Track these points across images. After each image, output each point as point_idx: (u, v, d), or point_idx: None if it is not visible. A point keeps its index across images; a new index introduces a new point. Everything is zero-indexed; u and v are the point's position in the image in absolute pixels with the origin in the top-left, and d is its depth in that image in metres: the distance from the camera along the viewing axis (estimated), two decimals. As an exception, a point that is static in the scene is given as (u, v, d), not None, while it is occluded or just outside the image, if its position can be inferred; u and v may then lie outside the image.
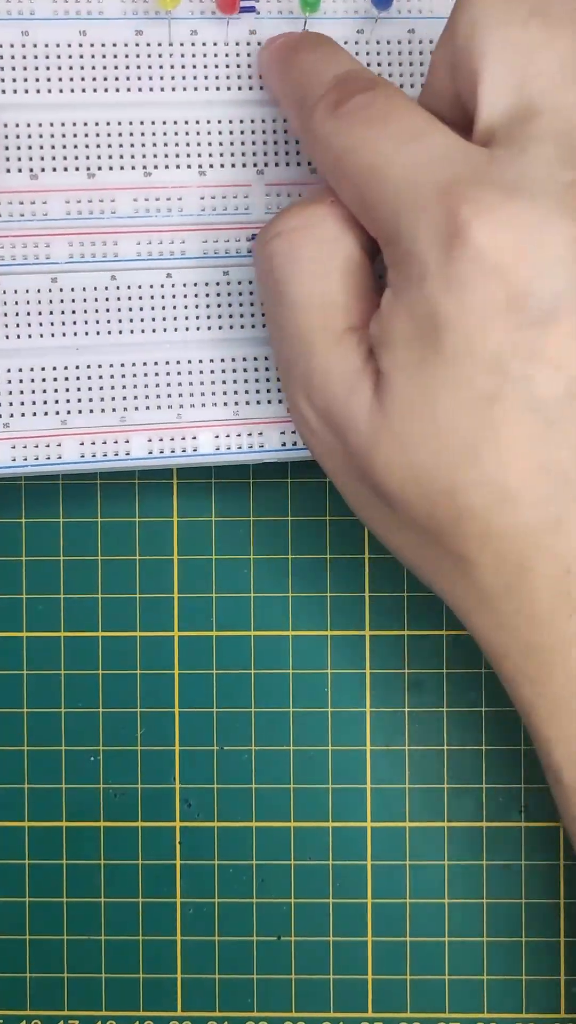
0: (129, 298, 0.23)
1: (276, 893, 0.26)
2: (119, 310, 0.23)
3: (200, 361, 0.23)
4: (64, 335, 0.23)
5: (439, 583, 0.20)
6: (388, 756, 0.26)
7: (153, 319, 0.23)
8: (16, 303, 0.23)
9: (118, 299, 0.23)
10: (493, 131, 0.18)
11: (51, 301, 0.23)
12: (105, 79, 0.22)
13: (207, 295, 0.23)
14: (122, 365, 0.23)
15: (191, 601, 0.26)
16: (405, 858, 0.26)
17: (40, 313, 0.23)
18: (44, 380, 0.23)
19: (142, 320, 0.23)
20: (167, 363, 0.23)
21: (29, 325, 0.23)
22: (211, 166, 0.23)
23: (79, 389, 0.23)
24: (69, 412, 0.23)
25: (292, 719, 0.26)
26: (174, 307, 0.23)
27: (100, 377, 0.23)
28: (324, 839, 0.26)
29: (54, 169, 0.22)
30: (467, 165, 0.18)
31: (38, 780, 0.26)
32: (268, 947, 0.26)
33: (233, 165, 0.23)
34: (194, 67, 0.23)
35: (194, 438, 0.23)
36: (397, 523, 0.19)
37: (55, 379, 0.23)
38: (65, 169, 0.22)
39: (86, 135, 0.22)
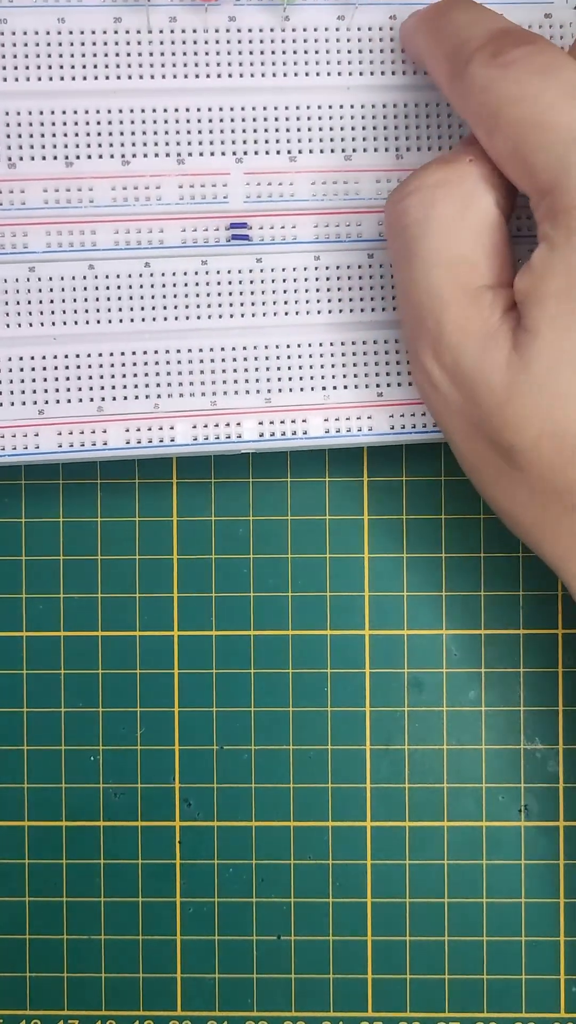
0: (107, 288, 0.23)
1: (276, 893, 0.26)
2: (97, 300, 0.23)
3: (178, 351, 0.23)
4: (42, 324, 0.23)
5: (555, 547, 0.20)
6: (388, 756, 0.26)
7: (131, 308, 0.23)
8: None
9: (96, 288, 0.23)
10: None
11: (28, 291, 0.23)
12: (84, 67, 0.22)
13: (185, 284, 0.23)
14: (99, 355, 0.23)
15: (191, 601, 0.26)
16: (405, 858, 0.26)
17: (18, 303, 0.23)
18: (22, 370, 0.23)
19: (120, 310, 0.23)
20: (144, 353, 0.23)
21: (7, 315, 0.23)
22: (189, 154, 0.23)
23: (56, 379, 0.23)
24: (47, 402, 0.23)
25: (292, 719, 0.26)
26: (152, 296, 0.23)
27: (78, 367, 0.23)
28: (324, 839, 0.26)
29: (32, 158, 0.23)
30: None
31: (38, 780, 0.26)
32: (268, 947, 0.26)
33: (212, 153, 0.23)
34: (173, 54, 0.23)
35: (171, 428, 0.23)
36: (519, 482, 0.19)
37: (32, 369, 0.23)
38: (44, 158, 0.23)
39: (64, 123, 0.23)
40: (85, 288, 0.23)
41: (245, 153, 0.23)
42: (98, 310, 0.23)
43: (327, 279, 0.23)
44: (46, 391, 0.23)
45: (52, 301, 0.23)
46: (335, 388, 0.23)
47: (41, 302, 0.23)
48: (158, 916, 0.26)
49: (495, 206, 0.20)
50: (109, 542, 0.26)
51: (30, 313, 0.23)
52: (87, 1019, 0.26)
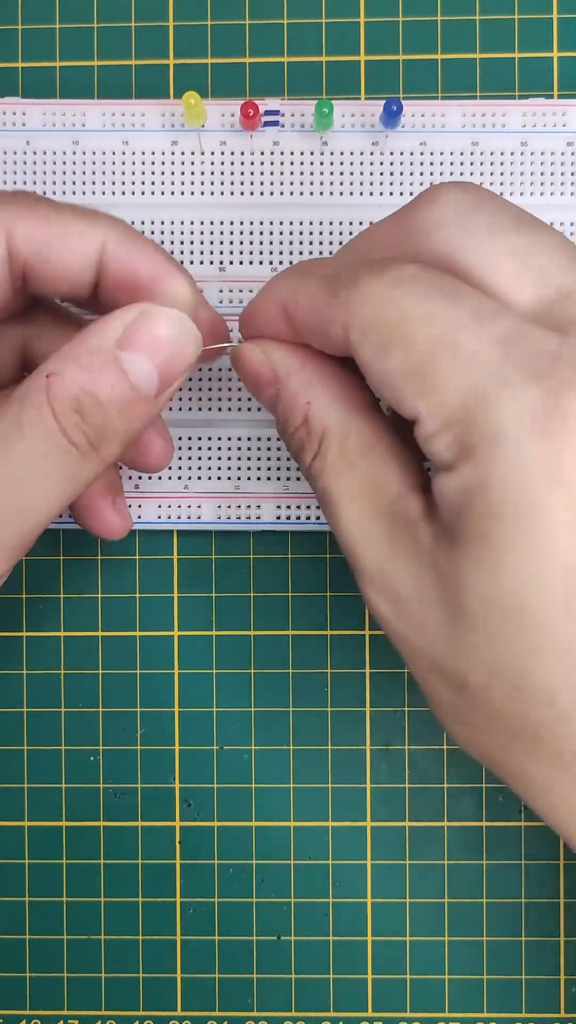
0: None
1: (276, 893, 0.26)
2: None
3: (208, 439, 0.25)
4: None
5: (526, 787, 0.18)
6: (388, 756, 0.26)
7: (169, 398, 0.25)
8: None
9: None
10: (540, 318, 0.17)
11: None
12: (143, 183, 0.25)
13: (219, 379, 0.25)
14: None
15: (191, 601, 0.26)
16: (405, 858, 0.26)
17: None
18: None
19: None
20: (179, 439, 0.25)
21: None
22: (231, 262, 0.25)
23: None
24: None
25: (292, 719, 0.26)
26: (188, 388, 0.25)
27: None
28: (324, 839, 0.26)
29: None
30: (554, 346, 0.17)
31: (38, 780, 0.26)
32: (268, 947, 0.26)
33: (251, 262, 0.25)
34: (221, 173, 0.25)
35: (199, 507, 0.25)
36: (475, 716, 0.18)
37: None
38: None
39: None
40: None
41: (280, 263, 0.25)
42: None
43: None
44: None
45: None
46: None
47: None
48: (158, 916, 0.26)
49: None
50: (110, 543, 0.26)
51: None
52: (87, 1019, 0.26)
